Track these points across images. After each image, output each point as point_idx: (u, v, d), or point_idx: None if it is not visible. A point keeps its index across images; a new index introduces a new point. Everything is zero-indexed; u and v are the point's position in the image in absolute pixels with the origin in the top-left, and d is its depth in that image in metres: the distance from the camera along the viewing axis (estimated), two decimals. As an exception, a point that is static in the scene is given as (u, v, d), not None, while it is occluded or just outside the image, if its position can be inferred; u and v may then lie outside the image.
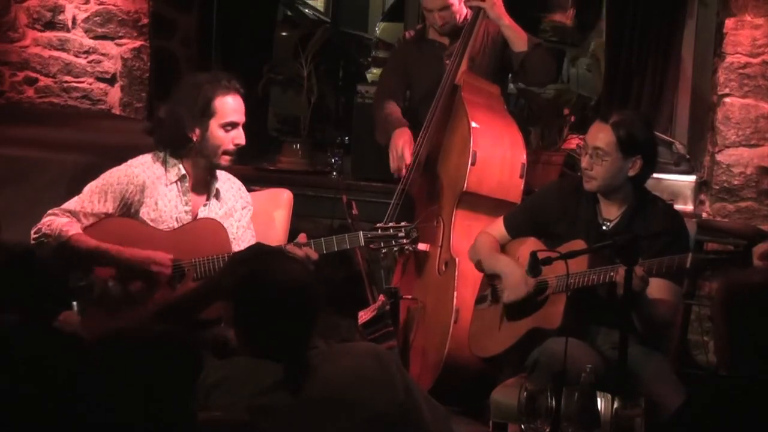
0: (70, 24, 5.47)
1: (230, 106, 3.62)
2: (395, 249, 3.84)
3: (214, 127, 3.60)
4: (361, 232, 3.68)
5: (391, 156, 4.42)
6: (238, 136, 3.63)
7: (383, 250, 3.87)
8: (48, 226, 3.55)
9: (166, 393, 2.08)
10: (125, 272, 3.54)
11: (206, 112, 3.58)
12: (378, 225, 3.76)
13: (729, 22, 4.76)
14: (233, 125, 3.62)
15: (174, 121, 3.63)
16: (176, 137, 3.62)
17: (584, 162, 3.55)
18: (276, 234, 3.99)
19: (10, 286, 2.66)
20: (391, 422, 2.57)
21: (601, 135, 3.53)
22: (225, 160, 3.64)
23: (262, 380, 2.54)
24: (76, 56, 5.49)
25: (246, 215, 3.79)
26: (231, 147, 3.62)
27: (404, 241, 3.70)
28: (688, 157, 4.91)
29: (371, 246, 3.74)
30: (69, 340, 2.04)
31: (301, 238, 3.60)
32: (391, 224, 3.77)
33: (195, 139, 3.60)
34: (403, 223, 3.76)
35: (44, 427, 1.92)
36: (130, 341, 2.14)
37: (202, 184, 3.70)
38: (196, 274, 3.55)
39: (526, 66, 4.42)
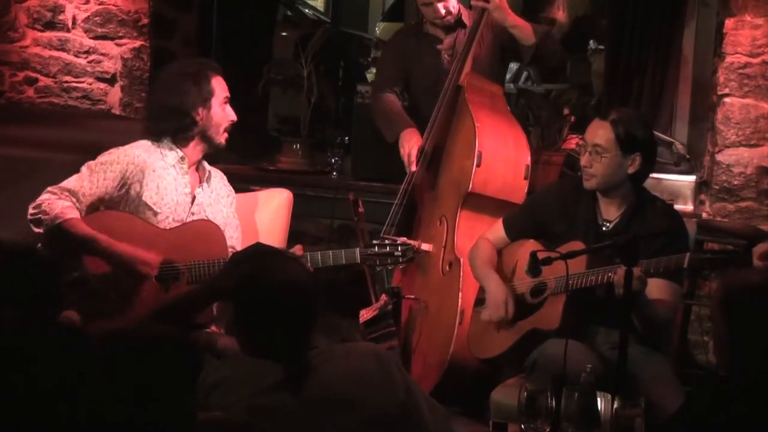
0: (70, 24, 5.47)
1: (222, 83, 3.78)
2: (390, 267, 3.87)
3: (216, 105, 3.74)
4: (358, 249, 3.72)
5: (401, 154, 4.42)
6: (231, 112, 3.80)
7: (378, 268, 3.91)
8: (48, 204, 3.55)
9: (166, 393, 2.08)
10: (113, 266, 3.55)
11: (208, 92, 3.72)
12: (375, 242, 3.76)
13: (729, 22, 4.76)
14: (227, 100, 3.78)
15: (176, 108, 3.70)
16: (182, 122, 3.70)
17: (584, 160, 3.56)
18: (276, 234, 4.00)
19: (10, 286, 2.66)
20: (391, 422, 2.57)
21: (600, 132, 3.53)
22: (224, 137, 3.78)
23: (262, 380, 2.54)
24: (76, 56, 5.49)
25: (232, 203, 3.88)
26: (228, 123, 3.77)
27: (401, 260, 3.73)
28: (688, 157, 4.91)
29: (367, 264, 3.78)
30: (69, 340, 2.04)
31: (298, 249, 3.62)
32: (388, 241, 3.77)
33: (200, 121, 3.70)
34: (400, 241, 3.77)
35: (45, 426, 1.92)
36: (130, 341, 2.14)
37: (197, 168, 3.80)
38: (191, 278, 3.56)
39: (539, 56, 4.43)
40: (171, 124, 3.72)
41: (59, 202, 3.56)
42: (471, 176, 4.18)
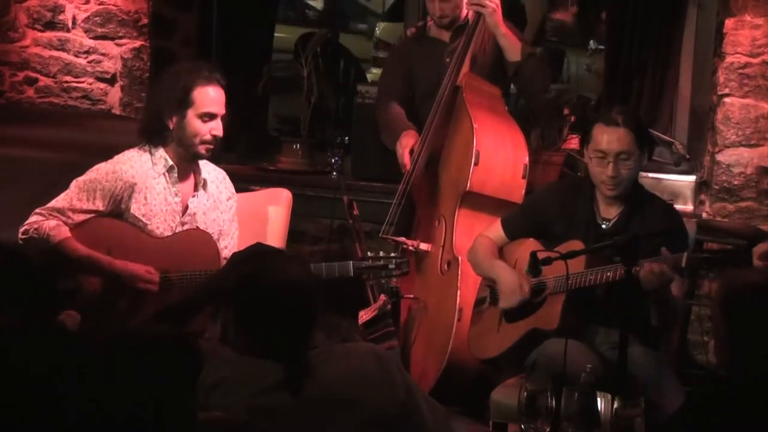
0: (70, 24, 5.47)
1: (209, 97, 3.62)
2: (384, 280, 3.86)
3: (192, 116, 3.61)
4: (351, 262, 3.70)
5: (398, 155, 4.44)
6: (216, 128, 3.64)
7: (370, 282, 3.90)
8: (36, 230, 3.53)
9: (166, 393, 2.08)
10: (112, 283, 3.54)
11: (184, 102, 3.60)
12: (370, 254, 3.75)
13: (729, 22, 4.76)
14: (211, 116, 3.62)
15: (152, 109, 3.67)
16: (154, 125, 3.64)
17: (609, 171, 3.49)
18: (275, 234, 4.00)
19: (10, 287, 2.66)
20: (391, 422, 2.57)
21: (620, 139, 3.49)
22: (203, 149, 3.64)
23: (262, 380, 2.54)
24: (76, 56, 5.48)
25: (231, 207, 3.81)
26: (208, 137, 3.62)
27: (394, 272, 3.72)
28: (688, 157, 4.90)
29: (363, 277, 3.78)
30: (69, 340, 2.04)
31: None
32: (382, 254, 3.77)
33: (172, 127, 3.61)
34: (393, 255, 3.77)
35: (44, 426, 1.92)
36: (130, 341, 2.14)
37: (189, 176, 3.72)
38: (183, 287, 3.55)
39: (519, 75, 4.43)
40: (147, 125, 3.68)
41: (47, 224, 3.54)
42: (469, 175, 4.19)
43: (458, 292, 4.13)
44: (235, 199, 3.84)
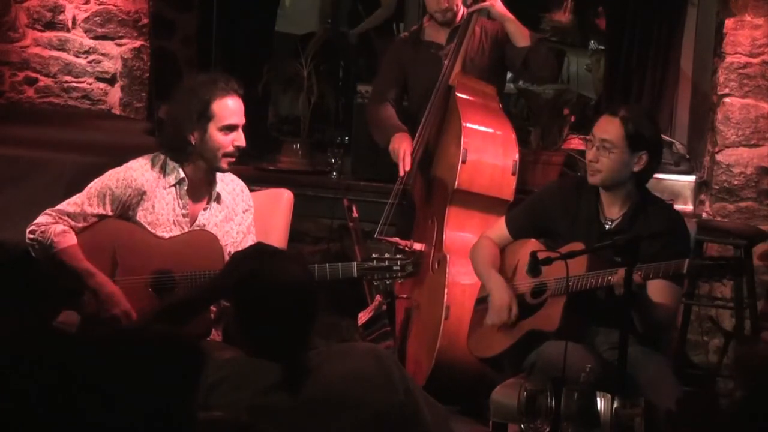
0: (70, 24, 5.47)
1: (229, 108, 3.58)
2: (388, 282, 3.86)
3: (213, 130, 3.57)
4: (355, 264, 3.67)
5: (396, 158, 4.43)
6: (238, 138, 3.60)
7: (375, 283, 3.89)
8: (42, 233, 3.53)
9: (167, 393, 2.08)
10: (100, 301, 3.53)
11: (204, 116, 3.55)
12: (374, 255, 3.75)
13: (729, 22, 4.76)
14: (232, 128, 3.59)
15: (173, 125, 3.62)
16: (176, 141, 3.60)
17: (590, 154, 3.54)
18: (276, 234, 3.99)
19: (10, 286, 2.66)
20: (390, 422, 2.57)
21: (608, 127, 3.52)
22: (226, 162, 3.61)
23: (262, 380, 2.54)
24: (76, 56, 5.48)
25: (247, 219, 3.76)
26: (231, 149, 3.59)
27: (399, 275, 3.70)
28: (688, 157, 4.91)
29: (365, 279, 3.76)
30: (69, 340, 2.04)
31: None
32: (387, 256, 3.76)
33: (194, 143, 3.57)
34: (398, 256, 3.76)
35: (45, 427, 1.93)
36: (131, 341, 2.14)
37: (202, 188, 3.68)
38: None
39: (529, 61, 4.40)
40: (167, 139, 3.65)
41: (54, 228, 3.54)
42: (457, 173, 4.20)
43: (446, 290, 4.14)
44: (251, 212, 3.78)
